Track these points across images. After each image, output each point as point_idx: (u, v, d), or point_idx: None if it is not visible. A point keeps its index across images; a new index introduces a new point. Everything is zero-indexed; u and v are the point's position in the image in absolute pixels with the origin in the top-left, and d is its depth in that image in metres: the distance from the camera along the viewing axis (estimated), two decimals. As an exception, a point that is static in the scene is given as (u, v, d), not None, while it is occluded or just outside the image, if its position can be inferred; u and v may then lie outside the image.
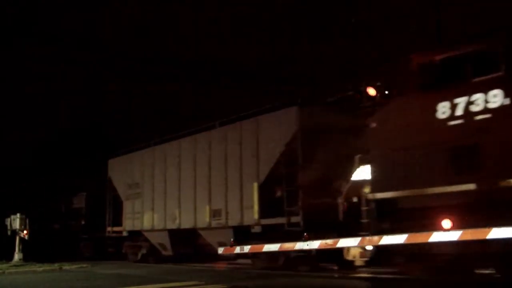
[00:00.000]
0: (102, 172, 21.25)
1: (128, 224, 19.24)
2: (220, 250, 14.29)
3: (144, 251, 18.94)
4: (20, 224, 19.21)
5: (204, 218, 15.45)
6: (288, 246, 12.66)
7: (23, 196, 26.22)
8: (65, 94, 29.74)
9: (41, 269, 16.54)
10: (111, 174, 20.70)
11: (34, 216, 26.87)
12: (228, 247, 14.04)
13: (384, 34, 24.88)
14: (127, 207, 19.35)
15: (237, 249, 13.87)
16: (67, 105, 30.08)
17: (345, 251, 11.83)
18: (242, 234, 14.04)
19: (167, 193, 17.30)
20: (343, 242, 11.43)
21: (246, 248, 13.74)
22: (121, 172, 20.10)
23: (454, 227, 8.88)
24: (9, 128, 28.85)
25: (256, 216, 13.69)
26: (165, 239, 17.46)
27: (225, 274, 13.67)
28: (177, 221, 16.66)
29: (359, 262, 11.80)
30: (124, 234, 19.54)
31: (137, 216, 18.71)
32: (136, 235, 19.06)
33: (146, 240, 18.52)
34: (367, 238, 10.87)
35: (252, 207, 13.79)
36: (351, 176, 11.64)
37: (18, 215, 19.35)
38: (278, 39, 27.87)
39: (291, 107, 13.36)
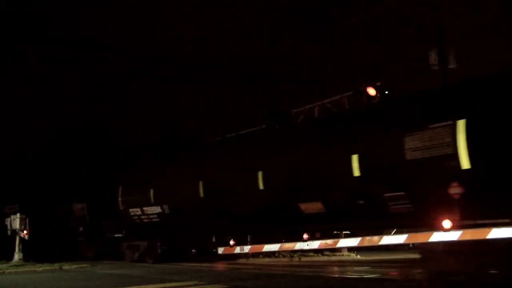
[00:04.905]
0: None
1: None
2: (220, 250, 14.32)
3: None
4: (20, 224, 19.17)
5: None
6: (288, 246, 12.67)
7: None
8: (65, 94, 29.72)
9: (41, 269, 16.52)
10: None
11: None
12: (228, 247, 14.07)
13: (384, 34, 24.88)
14: None
15: (237, 249, 13.90)
16: (66, 105, 30.02)
17: None
18: None
19: None
20: (343, 242, 11.46)
21: (246, 248, 13.78)
22: None
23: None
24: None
25: None
26: None
27: (225, 274, 13.66)
28: None
29: None
30: None
31: None
32: None
33: None
34: (367, 238, 10.90)
35: None
36: None
37: (18, 215, 19.30)
38: (278, 39, 27.85)
39: None
